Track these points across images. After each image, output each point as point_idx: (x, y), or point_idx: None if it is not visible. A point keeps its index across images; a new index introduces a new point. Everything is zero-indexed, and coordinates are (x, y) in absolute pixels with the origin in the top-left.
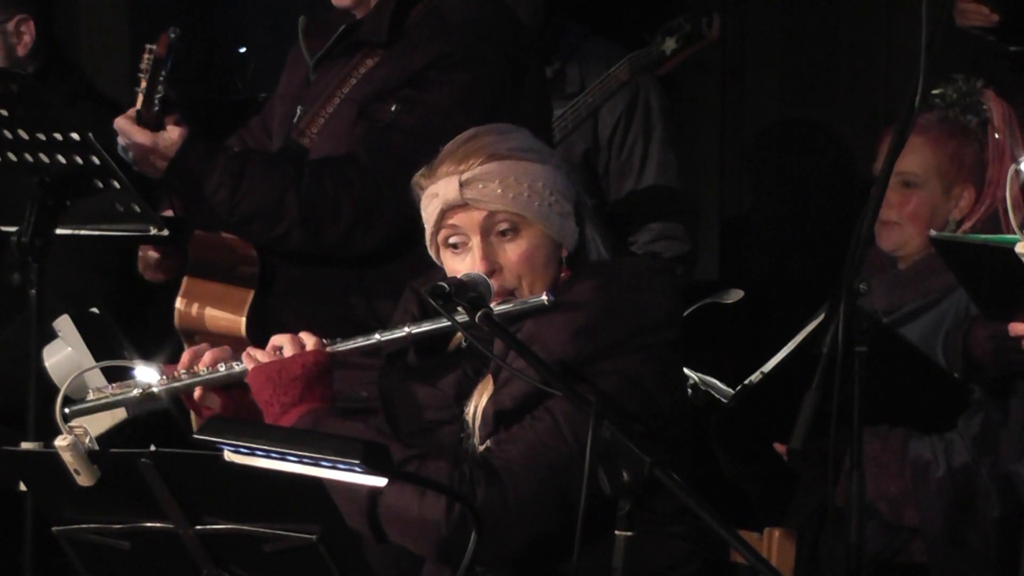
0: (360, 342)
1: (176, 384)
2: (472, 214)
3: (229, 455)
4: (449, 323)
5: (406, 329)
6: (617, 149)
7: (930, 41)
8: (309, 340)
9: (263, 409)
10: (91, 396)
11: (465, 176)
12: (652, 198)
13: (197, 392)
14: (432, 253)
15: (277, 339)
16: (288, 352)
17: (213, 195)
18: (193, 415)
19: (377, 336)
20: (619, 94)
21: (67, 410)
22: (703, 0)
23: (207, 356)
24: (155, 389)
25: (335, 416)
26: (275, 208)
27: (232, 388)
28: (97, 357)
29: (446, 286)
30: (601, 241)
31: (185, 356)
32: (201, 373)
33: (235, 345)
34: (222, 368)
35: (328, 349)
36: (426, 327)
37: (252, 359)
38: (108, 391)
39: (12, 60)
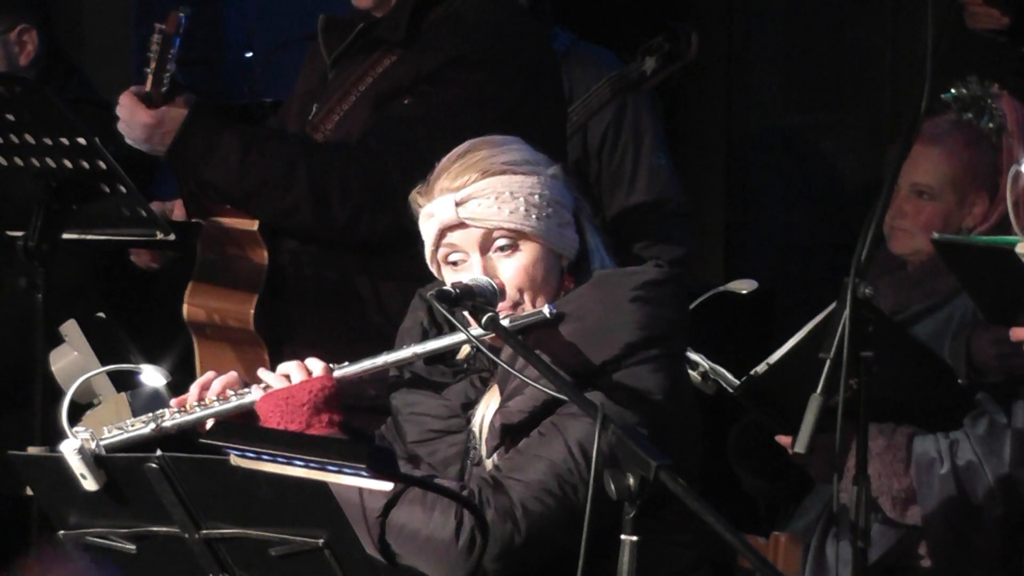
0: (367, 365)
1: (189, 417)
2: (470, 232)
3: (235, 459)
4: (454, 340)
5: (412, 350)
6: (607, 158)
7: (935, 45)
8: (316, 366)
9: None
10: (107, 433)
11: (460, 195)
12: (646, 204)
13: (209, 423)
14: (433, 269)
15: (285, 367)
16: (295, 379)
17: (223, 160)
18: None
19: (384, 358)
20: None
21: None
22: (701, 5)
23: (216, 385)
24: (167, 423)
25: None
26: (285, 177)
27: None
28: (103, 361)
29: (452, 291)
30: (604, 247)
31: (194, 388)
32: (212, 404)
33: (245, 338)
34: (232, 396)
35: (336, 374)
36: (431, 346)
37: (261, 386)
38: (125, 425)
39: (14, 69)
